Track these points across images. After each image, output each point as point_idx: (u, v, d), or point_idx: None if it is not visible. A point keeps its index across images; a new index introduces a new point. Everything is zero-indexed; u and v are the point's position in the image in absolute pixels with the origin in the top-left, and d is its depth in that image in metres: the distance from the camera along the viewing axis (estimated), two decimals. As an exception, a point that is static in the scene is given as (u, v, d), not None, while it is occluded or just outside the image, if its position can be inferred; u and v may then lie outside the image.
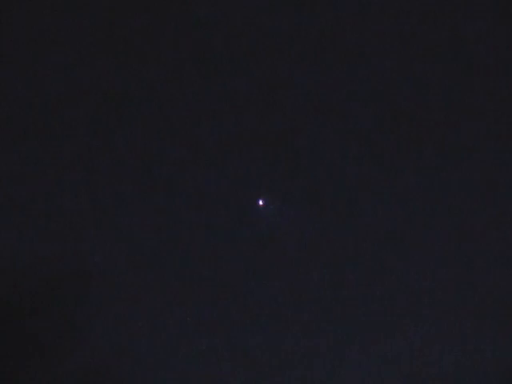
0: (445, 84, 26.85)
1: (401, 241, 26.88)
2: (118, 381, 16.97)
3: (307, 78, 29.75)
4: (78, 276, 18.74)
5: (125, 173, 29.45)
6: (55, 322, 17.97)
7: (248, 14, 29.28)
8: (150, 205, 28.85)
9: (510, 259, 23.25)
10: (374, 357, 23.53)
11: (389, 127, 28.49)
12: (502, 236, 24.46)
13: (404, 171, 28.12)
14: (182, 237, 27.06)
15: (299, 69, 30.10)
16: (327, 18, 28.79)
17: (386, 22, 27.98)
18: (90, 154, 29.22)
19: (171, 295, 24.77)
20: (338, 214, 28.78)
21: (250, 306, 25.62)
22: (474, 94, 25.65)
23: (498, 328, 21.62)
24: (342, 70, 29.14)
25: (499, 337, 21.78)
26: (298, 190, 29.83)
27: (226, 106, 30.05)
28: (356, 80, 28.77)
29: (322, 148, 29.29)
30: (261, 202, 29.57)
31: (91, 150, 29.30)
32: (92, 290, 19.13)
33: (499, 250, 24.27)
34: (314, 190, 29.29)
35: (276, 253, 28.21)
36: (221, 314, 24.98)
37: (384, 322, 24.84)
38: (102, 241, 24.32)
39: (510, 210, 24.21)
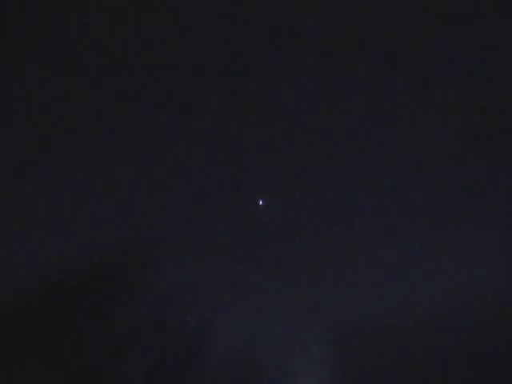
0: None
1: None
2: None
3: (307, 79, 29.75)
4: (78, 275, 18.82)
5: (125, 173, 29.45)
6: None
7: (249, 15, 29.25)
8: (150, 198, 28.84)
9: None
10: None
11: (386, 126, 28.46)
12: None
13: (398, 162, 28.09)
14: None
15: (299, 70, 30.10)
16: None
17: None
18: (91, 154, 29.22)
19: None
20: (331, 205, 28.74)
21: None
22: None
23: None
24: (338, 71, 29.14)
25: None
26: (296, 189, 29.91)
27: (226, 106, 30.10)
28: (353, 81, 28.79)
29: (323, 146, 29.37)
30: (261, 202, 29.64)
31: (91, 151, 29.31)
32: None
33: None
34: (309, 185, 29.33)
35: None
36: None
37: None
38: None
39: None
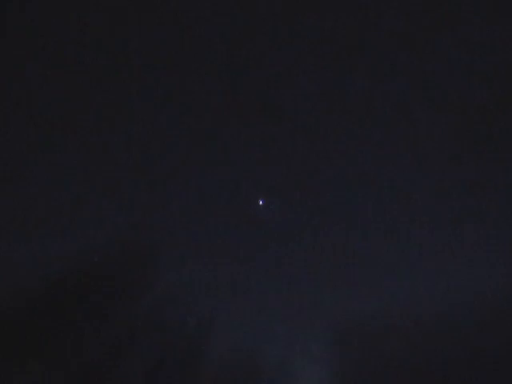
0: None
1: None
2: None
3: (307, 80, 29.77)
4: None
5: (125, 173, 29.46)
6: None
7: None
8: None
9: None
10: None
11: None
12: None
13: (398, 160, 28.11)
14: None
15: (299, 70, 30.12)
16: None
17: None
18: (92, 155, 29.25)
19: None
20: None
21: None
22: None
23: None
24: (337, 73, 29.16)
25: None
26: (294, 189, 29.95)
27: (227, 107, 30.11)
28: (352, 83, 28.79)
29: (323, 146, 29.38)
30: (261, 202, 29.64)
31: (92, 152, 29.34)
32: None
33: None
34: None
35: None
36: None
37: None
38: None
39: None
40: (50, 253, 23.73)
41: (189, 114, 30.55)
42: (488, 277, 23.55)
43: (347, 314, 24.13)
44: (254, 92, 30.56)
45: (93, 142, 29.66)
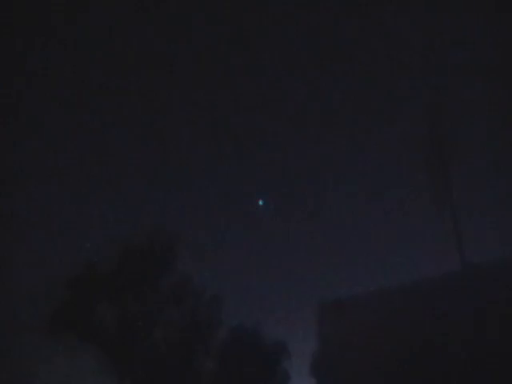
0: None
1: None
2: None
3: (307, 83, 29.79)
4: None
5: (125, 174, 29.49)
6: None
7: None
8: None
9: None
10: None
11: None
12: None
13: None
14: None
15: (299, 70, 30.13)
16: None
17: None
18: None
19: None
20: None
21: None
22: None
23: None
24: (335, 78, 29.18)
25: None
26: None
27: (228, 108, 30.12)
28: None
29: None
30: (261, 202, 29.65)
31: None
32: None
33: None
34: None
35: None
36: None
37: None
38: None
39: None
40: (52, 253, 23.78)
41: (189, 114, 30.57)
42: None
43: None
44: (254, 92, 30.56)
45: (93, 142, 29.67)
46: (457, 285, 13.16)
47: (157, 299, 18.09)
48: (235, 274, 28.15)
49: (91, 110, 29.61)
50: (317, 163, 30.41)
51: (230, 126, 30.48)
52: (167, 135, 30.13)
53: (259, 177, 30.62)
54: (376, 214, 28.60)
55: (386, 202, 27.97)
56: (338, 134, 29.34)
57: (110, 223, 27.69)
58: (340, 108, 29.59)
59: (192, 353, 18.41)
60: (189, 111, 30.55)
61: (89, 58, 29.23)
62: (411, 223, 27.20)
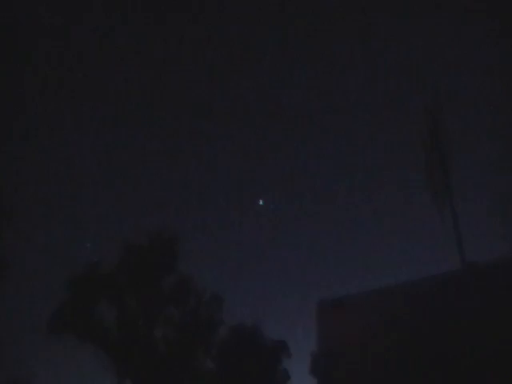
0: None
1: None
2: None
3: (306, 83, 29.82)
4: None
5: (127, 174, 29.52)
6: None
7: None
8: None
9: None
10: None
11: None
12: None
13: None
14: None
15: (299, 71, 30.16)
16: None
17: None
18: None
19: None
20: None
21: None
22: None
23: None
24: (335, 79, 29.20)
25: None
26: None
27: (228, 109, 30.15)
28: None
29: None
30: (261, 202, 29.67)
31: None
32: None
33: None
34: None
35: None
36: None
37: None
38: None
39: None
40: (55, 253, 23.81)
41: (189, 115, 30.58)
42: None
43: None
44: (254, 93, 30.58)
45: (95, 142, 29.69)
46: (457, 285, 13.16)
47: (157, 299, 18.11)
48: (235, 274, 28.17)
49: (91, 110, 29.64)
50: (317, 163, 30.43)
51: (230, 126, 30.50)
52: (167, 135, 30.17)
53: (259, 177, 30.64)
54: (376, 213, 28.63)
55: (386, 202, 28.01)
56: (337, 134, 29.36)
57: (110, 223, 27.73)
58: (340, 108, 29.62)
59: (192, 352, 18.44)
60: (189, 111, 30.58)
61: (90, 58, 29.26)
62: (411, 223, 27.26)
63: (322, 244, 29.03)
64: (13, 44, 25.73)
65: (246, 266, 29.01)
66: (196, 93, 30.55)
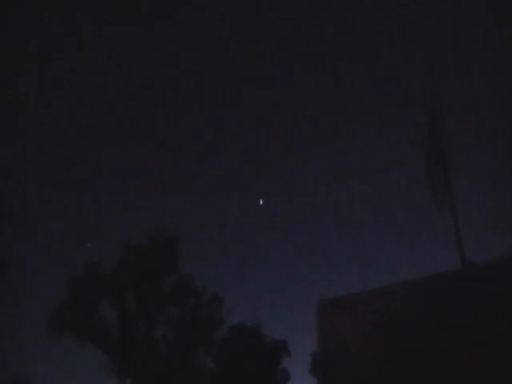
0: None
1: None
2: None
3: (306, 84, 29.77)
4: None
5: (128, 174, 29.49)
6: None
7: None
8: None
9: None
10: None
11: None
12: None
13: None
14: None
15: (299, 71, 30.14)
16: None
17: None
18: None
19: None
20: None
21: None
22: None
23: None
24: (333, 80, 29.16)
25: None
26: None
27: (228, 111, 30.13)
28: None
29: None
30: (261, 202, 29.66)
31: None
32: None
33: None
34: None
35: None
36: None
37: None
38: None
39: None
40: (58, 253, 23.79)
41: (189, 115, 30.56)
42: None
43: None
44: (254, 93, 30.55)
45: (96, 142, 29.66)
46: (457, 284, 13.16)
47: (157, 299, 18.11)
48: (235, 274, 28.17)
49: (92, 110, 29.63)
50: (317, 163, 30.42)
51: (230, 126, 30.49)
52: (167, 135, 30.15)
53: (259, 177, 30.62)
54: (376, 213, 28.61)
55: (386, 202, 28.00)
56: (337, 134, 29.35)
57: (111, 223, 27.72)
58: (340, 108, 29.61)
59: (192, 352, 18.44)
60: (189, 111, 30.55)
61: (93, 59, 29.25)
62: (411, 223, 27.25)
63: (322, 244, 29.01)
64: (12, 44, 25.73)
65: (246, 266, 28.99)
66: (195, 92, 30.54)
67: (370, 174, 28.82)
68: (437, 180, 17.50)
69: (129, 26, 28.43)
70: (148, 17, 28.54)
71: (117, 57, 29.60)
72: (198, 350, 18.54)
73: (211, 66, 30.26)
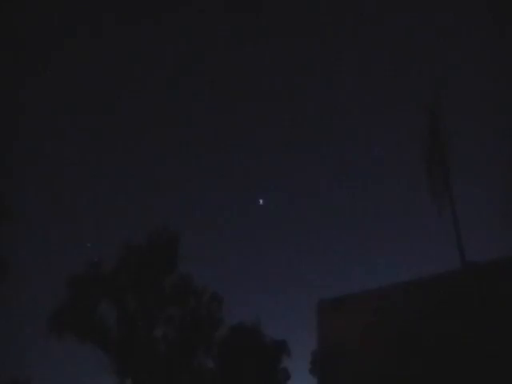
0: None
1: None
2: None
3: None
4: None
5: (129, 175, 29.52)
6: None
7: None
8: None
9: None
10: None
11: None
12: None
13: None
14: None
15: (298, 72, 30.15)
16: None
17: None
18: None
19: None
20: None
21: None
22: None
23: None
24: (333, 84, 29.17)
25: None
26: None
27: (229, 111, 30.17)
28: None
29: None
30: (261, 202, 29.67)
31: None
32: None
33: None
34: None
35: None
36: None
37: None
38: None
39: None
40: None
41: (189, 115, 30.58)
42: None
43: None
44: (254, 93, 30.59)
45: (97, 143, 29.69)
46: (457, 284, 13.17)
47: (157, 299, 18.12)
48: (235, 274, 28.18)
49: (92, 111, 29.64)
50: (317, 163, 30.45)
51: (230, 126, 30.50)
52: (168, 135, 30.16)
53: (259, 177, 30.63)
54: (376, 213, 28.62)
55: (386, 202, 28.01)
56: (337, 134, 29.37)
57: (111, 223, 27.73)
58: (340, 108, 29.62)
59: (192, 352, 18.46)
60: (189, 111, 30.57)
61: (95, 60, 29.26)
62: (411, 223, 27.26)
63: (322, 244, 29.03)
64: (13, 45, 25.72)
65: (246, 266, 29.01)
66: (195, 92, 30.55)
67: (370, 174, 28.83)
68: (437, 180, 17.46)
69: (129, 26, 28.44)
70: (148, 17, 28.56)
71: (117, 57, 29.61)
72: (198, 349, 18.56)
73: (211, 66, 30.28)
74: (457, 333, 11.97)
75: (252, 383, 18.90)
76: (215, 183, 30.89)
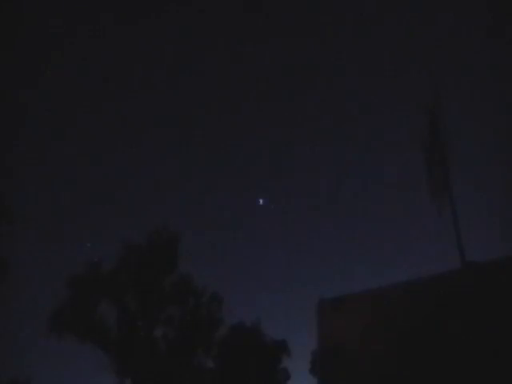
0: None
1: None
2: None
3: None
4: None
5: (130, 175, 29.53)
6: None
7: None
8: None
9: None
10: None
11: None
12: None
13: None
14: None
15: (298, 73, 30.16)
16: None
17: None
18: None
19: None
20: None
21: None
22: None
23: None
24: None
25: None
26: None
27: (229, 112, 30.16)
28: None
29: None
30: (261, 202, 29.67)
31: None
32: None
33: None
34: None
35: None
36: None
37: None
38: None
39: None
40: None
41: (189, 115, 30.60)
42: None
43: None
44: (254, 93, 30.60)
45: (98, 144, 29.69)
46: (457, 285, 13.16)
47: (157, 299, 18.12)
48: (235, 274, 28.18)
49: (93, 111, 29.64)
50: (317, 163, 30.45)
51: (230, 126, 30.51)
52: (168, 135, 30.17)
53: (259, 177, 30.64)
54: (376, 213, 28.63)
55: (386, 202, 28.02)
56: (337, 134, 29.38)
57: (111, 223, 27.73)
58: (340, 108, 29.62)
59: (192, 352, 18.46)
60: (189, 111, 30.57)
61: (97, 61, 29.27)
62: (411, 223, 27.27)
63: (322, 244, 29.03)
64: (13, 45, 25.72)
65: (246, 266, 29.01)
66: (196, 92, 30.55)
67: (370, 174, 28.84)
68: (437, 180, 17.47)
69: (129, 26, 28.45)
70: (148, 16, 28.57)
71: (116, 57, 29.62)
72: (198, 349, 18.56)
73: (211, 67, 30.29)
74: (457, 333, 11.97)
75: (252, 383, 18.91)
76: (215, 183, 30.89)
